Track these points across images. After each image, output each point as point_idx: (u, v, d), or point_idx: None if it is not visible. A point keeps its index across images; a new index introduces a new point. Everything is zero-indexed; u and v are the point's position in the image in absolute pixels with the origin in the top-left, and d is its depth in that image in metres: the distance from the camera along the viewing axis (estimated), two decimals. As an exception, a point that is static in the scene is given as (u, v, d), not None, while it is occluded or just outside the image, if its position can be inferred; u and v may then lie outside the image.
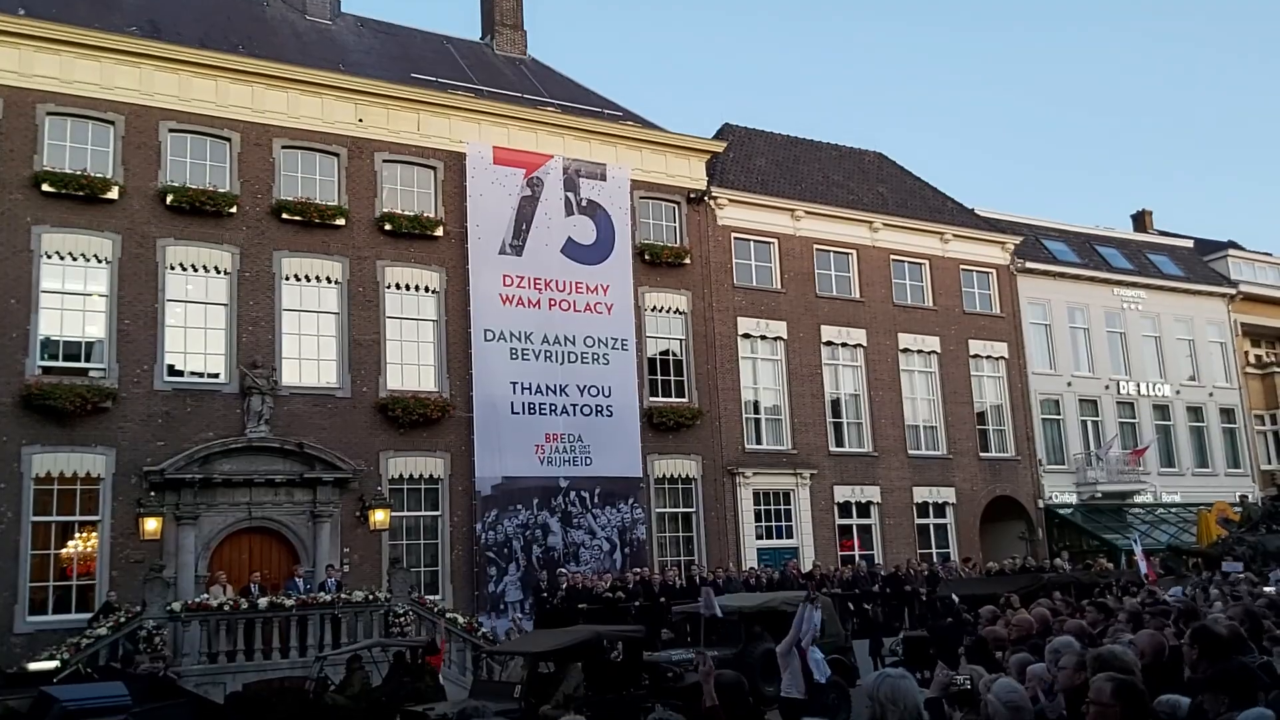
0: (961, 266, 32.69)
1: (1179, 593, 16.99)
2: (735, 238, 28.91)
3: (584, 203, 26.40)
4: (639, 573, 23.36)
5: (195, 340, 22.01)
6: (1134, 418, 35.44)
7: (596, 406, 25.47)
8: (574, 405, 25.20)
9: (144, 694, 10.81)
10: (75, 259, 21.07)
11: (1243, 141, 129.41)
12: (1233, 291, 38.77)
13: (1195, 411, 36.96)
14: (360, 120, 24.20)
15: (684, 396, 27.14)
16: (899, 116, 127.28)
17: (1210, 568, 23.51)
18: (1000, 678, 5.87)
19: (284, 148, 23.38)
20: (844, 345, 29.95)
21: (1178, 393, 36.49)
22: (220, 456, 21.23)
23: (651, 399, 26.51)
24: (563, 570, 23.34)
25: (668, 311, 27.44)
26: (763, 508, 27.80)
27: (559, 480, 24.73)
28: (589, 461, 25.07)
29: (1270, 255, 42.92)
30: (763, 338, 28.77)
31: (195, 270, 22.12)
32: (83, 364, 20.95)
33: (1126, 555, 28.49)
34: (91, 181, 21.09)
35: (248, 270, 22.46)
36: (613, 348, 25.98)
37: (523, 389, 24.67)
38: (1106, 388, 34.98)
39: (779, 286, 29.28)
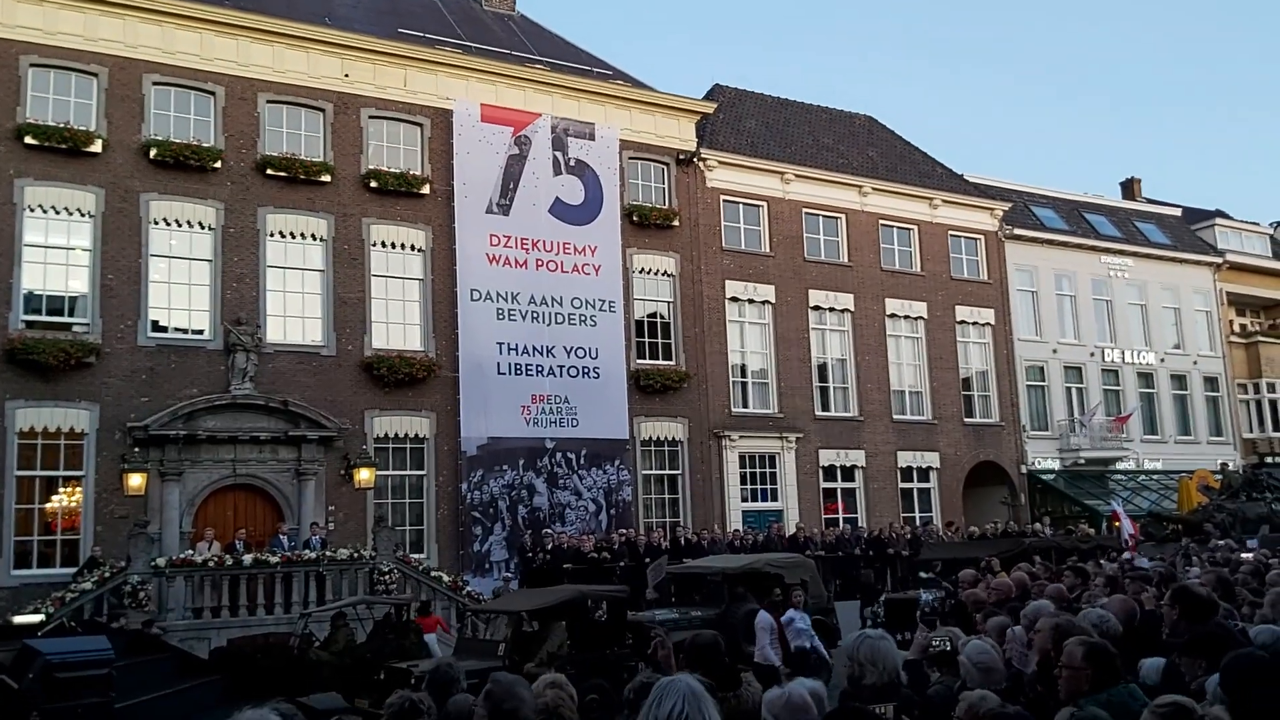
0: (950, 232, 32.66)
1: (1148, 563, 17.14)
2: (724, 200, 28.80)
3: (572, 162, 26.22)
4: (624, 534, 23.49)
5: (179, 296, 21.88)
6: (1118, 385, 35.60)
7: (583, 368, 25.45)
8: (561, 366, 25.18)
9: (128, 648, 10.85)
10: (58, 213, 20.88)
11: (1233, 110, 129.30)
12: (1219, 260, 38.85)
13: (1179, 379, 37.13)
14: (346, 75, 23.94)
15: (671, 359, 27.14)
16: (890, 80, 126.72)
17: (1190, 534, 23.76)
18: (973, 639, 5.93)
19: (269, 102, 23.15)
20: (831, 310, 29.95)
21: (1162, 361, 36.64)
22: (204, 413, 21.17)
23: (638, 361, 26.50)
24: (548, 530, 23.43)
25: (655, 274, 27.36)
26: (748, 470, 27.89)
27: (545, 441, 24.75)
28: (575, 423, 25.08)
29: (1257, 225, 43.01)
30: (750, 301, 28.74)
31: (179, 225, 21.95)
32: (66, 319, 20.84)
33: (1107, 520, 28.73)
34: (75, 134, 20.87)
35: (232, 226, 22.30)
36: (600, 309, 25.92)
37: (509, 350, 24.63)
38: (1091, 355, 35.10)
39: (767, 250, 29.22)
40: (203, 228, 22.11)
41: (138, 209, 21.47)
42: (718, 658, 5.64)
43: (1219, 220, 41.34)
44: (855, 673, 5.20)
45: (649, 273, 27.25)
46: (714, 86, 32.33)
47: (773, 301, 28.92)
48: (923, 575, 19.65)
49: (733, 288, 28.37)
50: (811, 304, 29.53)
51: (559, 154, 26.06)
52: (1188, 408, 37.20)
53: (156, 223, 21.70)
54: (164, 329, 21.62)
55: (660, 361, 26.93)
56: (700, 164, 28.36)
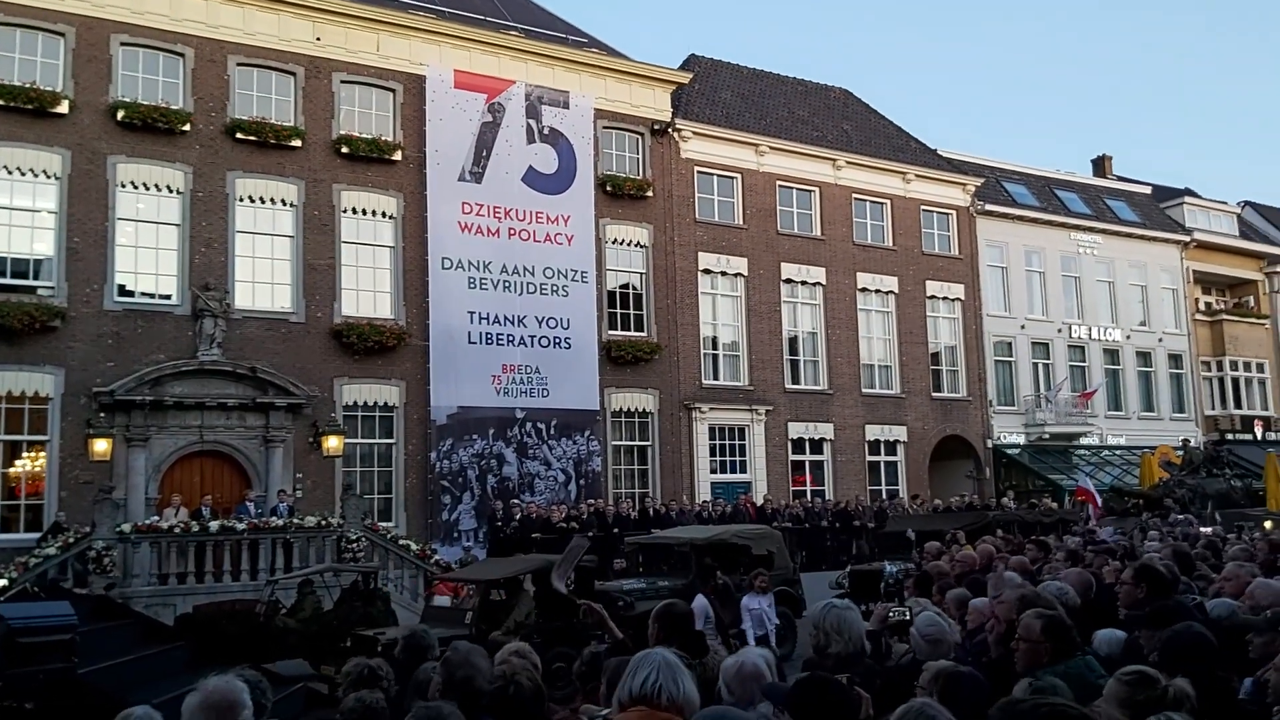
0: (922, 207, 32.75)
1: (1110, 533, 17.42)
2: (698, 171, 28.73)
3: (546, 131, 26.06)
4: (593, 504, 23.57)
5: (146, 260, 21.64)
6: (1084, 361, 35.95)
7: (555, 338, 25.41)
8: (532, 336, 25.13)
9: (92, 614, 10.79)
10: (24, 174, 20.57)
11: (1205, 89, 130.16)
12: (1186, 239, 39.19)
13: (1144, 356, 37.54)
14: (318, 39, 23.64)
15: (643, 331, 27.14)
16: (865, 53, 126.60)
17: (1150, 509, 24.12)
18: (924, 611, 6.02)
19: (239, 65, 22.83)
20: (803, 283, 30.02)
21: (1128, 338, 37.03)
22: (171, 379, 20.99)
23: (610, 332, 26.48)
24: (516, 500, 23.46)
25: (628, 244, 27.29)
26: (718, 442, 28.00)
27: (515, 411, 24.73)
28: (546, 393, 25.07)
29: (1225, 204, 43.38)
30: (723, 274, 28.74)
31: (147, 189, 21.67)
32: (31, 281, 20.57)
33: (1070, 494, 29.10)
34: (41, 95, 20.52)
35: (201, 190, 22.04)
36: (572, 280, 25.86)
37: (480, 319, 24.54)
38: (1059, 331, 35.40)
39: (740, 222, 29.20)
40: (171, 191, 21.84)
41: (104, 171, 21.17)
42: (687, 627, 5.71)
43: (1187, 199, 41.67)
44: (820, 642, 5.26)
45: (622, 243, 27.18)
46: (689, 57, 32.18)
47: (745, 274, 28.95)
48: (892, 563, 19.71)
49: (705, 260, 28.36)
50: (783, 277, 29.58)
51: (533, 122, 25.89)
52: (1152, 384, 37.64)
53: (124, 186, 21.41)
54: (130, 293, 21.39)
55: (632, 333, 26.92)
56: (675, 135, 28.26)
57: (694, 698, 3.29)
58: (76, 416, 20.32)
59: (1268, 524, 18.23)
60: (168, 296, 21.65)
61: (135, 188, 21.55)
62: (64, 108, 20.78)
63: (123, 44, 21.72)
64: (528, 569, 14.61)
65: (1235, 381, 39.30)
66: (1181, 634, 4.80)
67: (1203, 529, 16.04)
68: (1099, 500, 25.38)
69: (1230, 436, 37.20)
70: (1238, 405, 39.10)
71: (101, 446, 20.24)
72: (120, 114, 21.22)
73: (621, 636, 5.85)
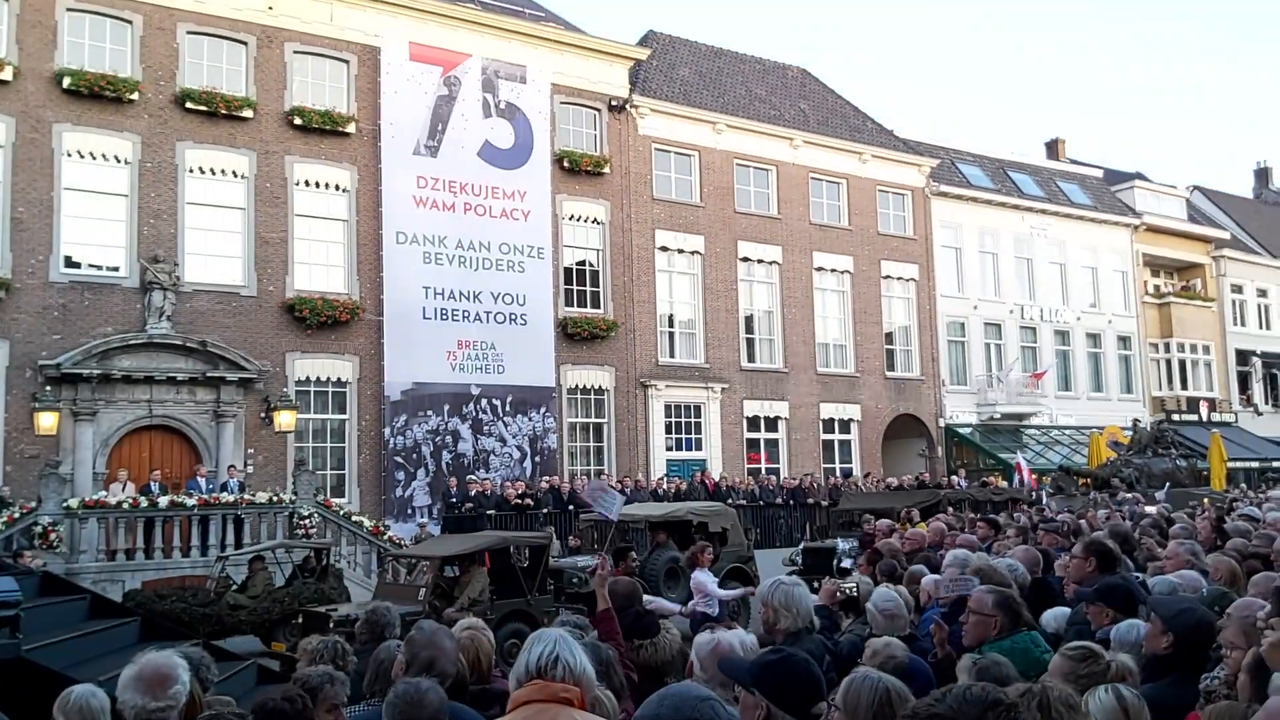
0: (878, 187, 32.91)
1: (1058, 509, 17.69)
2: (655, 148, 28.66)
3: (502, 105, 25.85)
4: (549, 481, 23.55)
5: (94, 231, 21.21)
6: (1035, 342, 36.43)
7: (510, 314, 25.30)
8: (487, 312, 25.00)
9: (39, 590, 10.60)
10: (-36, 141, 20.08)
11: (1156, 74, 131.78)
12: (1137, 222, 39.75)
13: (1094, 338, 38.11)
14: (270, 8, 23.23)
15: (599, 308, 27.08)
16: (822, 33, 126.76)
17: (1099, 488, 24.54)
18: (880, 587, 6.10)
19: (189, 33, 22.39)
20: (760, 262, 30.10)
21: (1078, 319, 37.54)
22: (120, 352, 20.64)
23: (566, 309, 26.41)
24: (472, 477, 23.38)
25: (585, 221, 27.20)
26: (673, 420, 28.07)
27: (470, 387, 24.62)
28: (501, 370, 24.97)
29: (1174, 188, 44.03)
30: (680, 251, 28.75)
31: (94, 158, 21.24)
32: (-27, 252, 20.12)
33: (1011, 469, 29.58)
34: (-18, 60, 20.03)
35: (149, 160, 21.63)
36: (529, 256, 25.73)
37: (435, 294, 24.37)
38: (1011, 312, 35.81)
39: (698, 200, 29.20)
40: (119, 161, 21.42)
41: (50, 140, 20.71)
42: (632, 605, 5.70)
43: (1138, 183, 42.25)
44: (770, 618, 5.29)
45: (579, 220, 27.08)
46: (648, 33, 32.05)
47: (702, 252, 28.97)
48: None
49: (662, 237, 28.34)
50: (740, 255, 29.64)
51: (489, 96, 25.66)
52: (1101, 365, 38.23)
53: (70, 155, 20.96)
54: (77, 265, 20.99)
55: (588, 310, 26.86)
56: (632, 111, 28.14)
57: (590, 671, 3.31)
58: (22, 389, 19.95)
59: (1205, 500, 18.66)
60: (116, 268, 21.27)
61: (82, 157, 21.11)
62: (8, 74, 20.28)
63: (68, 9, 21.20)
64: (483, 546, 14.57)
65: (1182, 363, 40.00)
66: (1194, 608, 4.77)
67: (1148, 508, 16.34)
68: (1025, 467, 26.37)
69: (1176, 417, 37.93)
70: (1184, 386, 39.82)
71: (48, 420, 19.91)
72: (66, 81, 20.75)
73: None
